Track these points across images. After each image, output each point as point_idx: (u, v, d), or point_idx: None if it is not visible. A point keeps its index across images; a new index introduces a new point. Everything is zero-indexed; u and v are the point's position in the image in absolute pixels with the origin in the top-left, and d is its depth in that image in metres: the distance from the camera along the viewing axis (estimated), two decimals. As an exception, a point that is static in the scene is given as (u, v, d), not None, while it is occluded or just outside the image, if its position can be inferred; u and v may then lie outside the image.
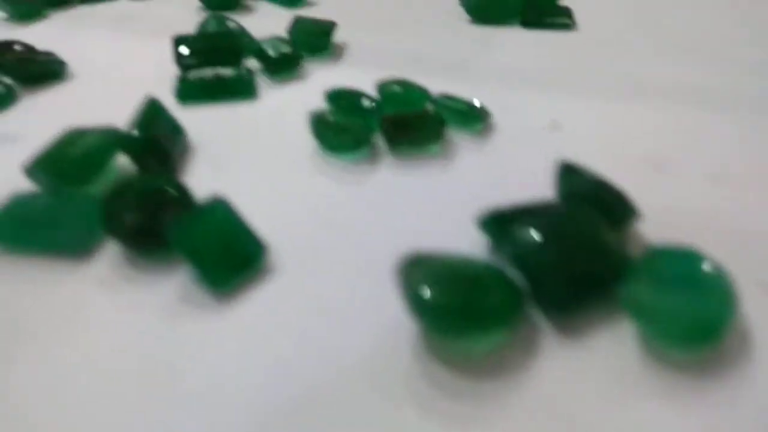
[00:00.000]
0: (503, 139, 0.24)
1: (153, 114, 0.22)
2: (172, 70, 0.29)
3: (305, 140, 0.24)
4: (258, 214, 0.20)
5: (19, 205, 0.19)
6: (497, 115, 0.25)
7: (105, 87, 0.29)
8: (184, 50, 0.28)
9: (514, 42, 0.32)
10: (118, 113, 0.26)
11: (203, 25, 0.31)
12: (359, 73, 0.29)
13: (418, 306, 0.15)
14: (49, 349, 0.17)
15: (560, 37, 0.32)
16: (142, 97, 0.26)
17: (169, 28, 0.34)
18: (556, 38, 0.32)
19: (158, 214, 0.18)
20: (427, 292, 0.15)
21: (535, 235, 0.17)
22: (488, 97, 0.26)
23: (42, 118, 0.26)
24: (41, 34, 0.34)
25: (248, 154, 0.24)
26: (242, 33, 0.30)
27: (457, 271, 0.16)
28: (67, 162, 0.20)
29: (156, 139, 0.21)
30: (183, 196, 0.19)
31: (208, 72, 0.27)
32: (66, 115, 0.26)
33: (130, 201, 0.18)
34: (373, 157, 0.23)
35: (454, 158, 0.23)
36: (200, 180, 0.22)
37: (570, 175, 0.20)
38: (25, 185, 0.21)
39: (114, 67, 0.30)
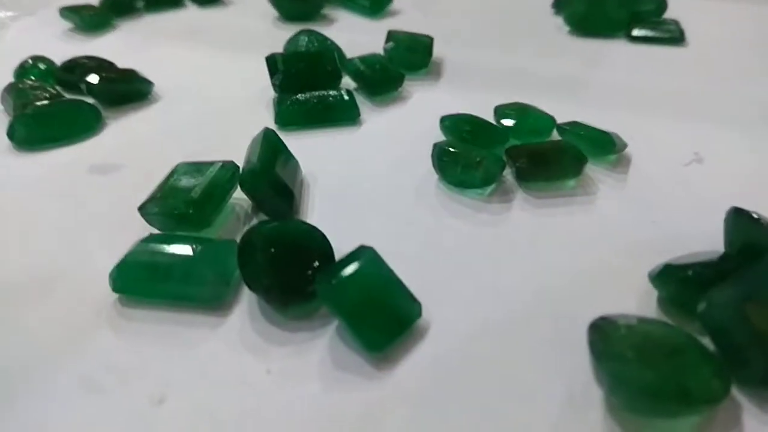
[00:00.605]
0: (641, 173, 0.22)
1: (272, 148, 0.20)
2: (263, 89, 0.27)
3: (423, 171, 0.22)
4: (393, 260, 0.17)
5: (146, 252, 0.17)
6: (629, 143, 0.23)
7: (195, 108, 0.27)
8: (279, 70, 0.26)
9: (624, 58, 0.30)
10: (215, 139, 0.25)
11: (293, 42, 0.29)
12: (463, 92, 0.28)
13: (621, 384, 0.14)
14: (185, 419, 0.15)
15: (671, 53, 0.30)
16: (236, 120, 0.25)
17: (247, 39, 0.33)
18: (667, 54, 0.30)
19: (301, 267, 0.17)
20: (632, 371, 0.14)
21: (736, 302, 0.15)
22: (612, 122, 0.24)
23: (135, 144, 0.25)
24: (113, 47, 0.33)
25: (366, 188, 0.22)
26: (337, 50, 0.29)
27: (656, 343, 0.14)
28: (186, 203, 0.19)
29: (279, 178, 0.19)
30: (324, 244, 0.17)
31: (308, 95, 0.25)
32: (159, 141, 0.25)
33: (270, 252, 0.17)
34: (502, 192, 0.21)
35: (593, 195, 0.21)
36: (324, 219, 0.20)
37: (743, 224, 0.18)
38: (128, 219, 0.19)
39: (199, 85, 0.29)
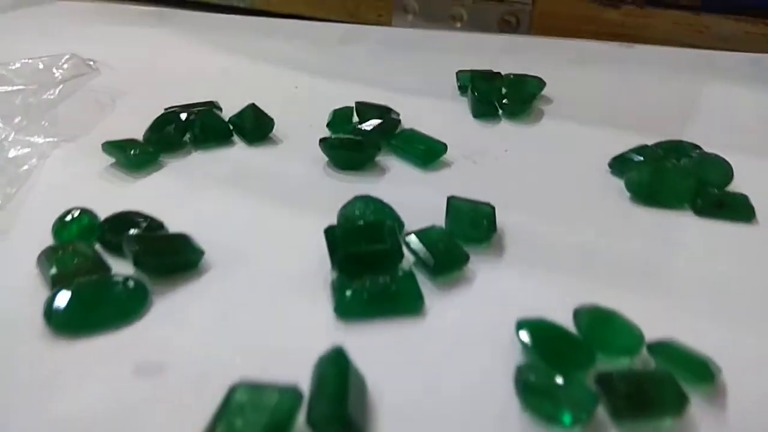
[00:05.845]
0: (742, 408, 0.20)
1: (342, 377, 0.19)
2: (320, 260, 0.25)
3: (503, 392, 0.20)
4: None
5: None
6: (721, 361, 0.21)
7: (248, 284, 0.25)
8: (338, 247, 0.24)
9: (694, 235, 0.28)
10: (271, 331, 0.23)
11: (349, 209, 0.27)
12: (530, 272, 0.26)
13: None
14: None
15: (741, 231, 0.28)
16: (295, 306, 0.24)
17: (299, 190, 0.31)
18: (737, 232, 0.28)
19: None
20: None
21: None
22: (699, 329, 0.22)
23: (183, 334, 0.23)
24: (160, 191, 0.31)
25: (439, 412, 0.20)
26: (396, 219, 0.27)
27: None
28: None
29: (351, 419, 0.18)
30: None
31: (369, 283, 0.23)
32: (209, 330, 0.23)
33: None
34: (592, 428, 0.19)
35: (692, 438, 0.19)
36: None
37: None
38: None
39: (250, 251, 0.27)
